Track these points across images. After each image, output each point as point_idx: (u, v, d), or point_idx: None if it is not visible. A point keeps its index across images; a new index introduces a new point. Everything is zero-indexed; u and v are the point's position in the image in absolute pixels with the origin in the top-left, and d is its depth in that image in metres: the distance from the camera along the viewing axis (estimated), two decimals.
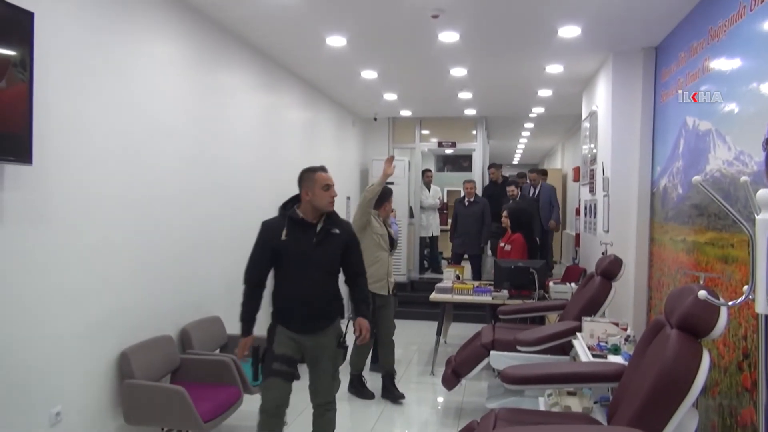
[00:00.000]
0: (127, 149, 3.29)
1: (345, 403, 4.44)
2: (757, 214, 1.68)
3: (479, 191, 8.09)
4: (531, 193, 8.28)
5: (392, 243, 4.67)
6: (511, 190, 7.32)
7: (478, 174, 8.87)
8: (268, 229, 2.94)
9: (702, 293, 1.84)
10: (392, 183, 8.02)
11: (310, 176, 2.92)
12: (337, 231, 2.96)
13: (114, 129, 3.17)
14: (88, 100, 2.98)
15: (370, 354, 4.86)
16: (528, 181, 8.78)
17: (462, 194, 7.57)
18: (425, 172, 8.88)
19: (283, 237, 2.85)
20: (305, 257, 2.88)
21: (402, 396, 4.48)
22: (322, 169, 2.98)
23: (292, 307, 2.92)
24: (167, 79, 3.68)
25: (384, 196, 4.60)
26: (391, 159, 4.31)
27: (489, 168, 8.48)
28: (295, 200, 3.00)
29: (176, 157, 3.76)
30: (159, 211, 3.56)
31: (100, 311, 3.07)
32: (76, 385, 2.91)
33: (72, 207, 2.89)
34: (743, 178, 1.82)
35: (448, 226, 8.47)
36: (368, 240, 4.37)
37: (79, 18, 2.92)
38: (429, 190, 8.87)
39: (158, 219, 3.56)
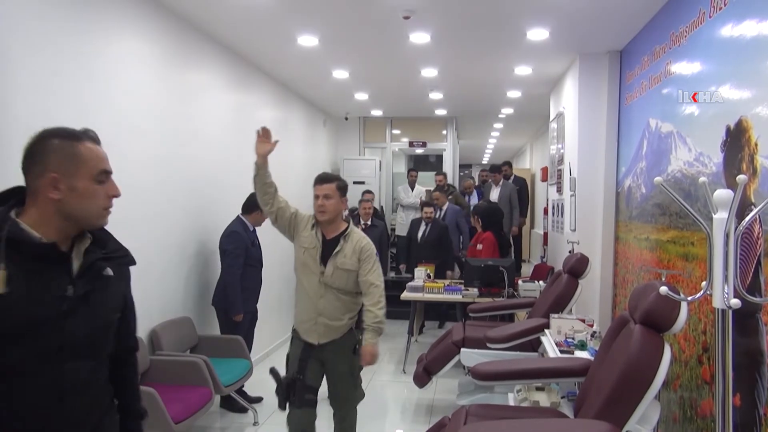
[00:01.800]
0: None
1: None
2: (715, 214, 1.75)
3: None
4: (438, 215, 6.83)
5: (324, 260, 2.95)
6: (428, 213, 6.51)
7: (449, 174, 8.93)
8: None
9: (663, 289, 1.91)
10: (363, 182, 8.10)
11: (68, 149, 1.38)
12: (111, 272, 1.46)
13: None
14: (56, 99, 2.91)
15: None
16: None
17: (357, 216, 6.31)
18: (410, 172, 8.87)
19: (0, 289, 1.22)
20: (55, 331, 1.31)
21: None
22: (91, 138, 1.44)
23: None
24: (137, 78, 3.62)
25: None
26: (265, 132, 2.93)
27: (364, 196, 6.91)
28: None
29: (145, 156, 3.70)
30: (127, 211, 3.50)
31: None
32: None
33: None
34: (702, 179, 1.89)
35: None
36: (295, 254, 3.06)
37: (46, 16, 2.85)
38: (412, 190, 8.87)
39: (126, 219, 3.50)
